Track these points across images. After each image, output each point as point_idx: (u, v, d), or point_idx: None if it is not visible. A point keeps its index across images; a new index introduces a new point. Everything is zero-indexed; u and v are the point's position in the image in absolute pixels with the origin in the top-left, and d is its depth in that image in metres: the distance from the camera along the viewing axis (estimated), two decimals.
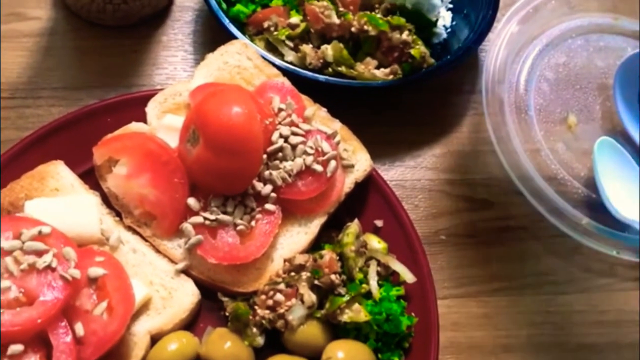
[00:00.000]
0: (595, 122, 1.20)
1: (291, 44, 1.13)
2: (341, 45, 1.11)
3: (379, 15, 1.15)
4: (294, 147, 0.96)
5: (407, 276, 0.93)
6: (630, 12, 1.28)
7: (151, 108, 1.01)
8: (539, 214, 1.08)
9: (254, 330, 0.90)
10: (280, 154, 0.95)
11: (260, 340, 0.90)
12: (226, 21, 1.10)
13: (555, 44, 1.25)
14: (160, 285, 0.92)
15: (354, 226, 0.95)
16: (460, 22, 1.25)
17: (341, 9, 1.16)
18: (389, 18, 1.15)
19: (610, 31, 1.27)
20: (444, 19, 1.25)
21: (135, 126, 0.99)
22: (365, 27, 1.13)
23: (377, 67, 1.14)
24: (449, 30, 1.24)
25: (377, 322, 0.90)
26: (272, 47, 1.14)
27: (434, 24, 1.22)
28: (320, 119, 1.02)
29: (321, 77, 1.08)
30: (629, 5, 1.28)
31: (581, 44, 1.26)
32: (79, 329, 0.81)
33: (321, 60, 1.11)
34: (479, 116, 1.16)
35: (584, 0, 1.27)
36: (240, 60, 1.05)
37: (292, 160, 0.95)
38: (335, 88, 1.08)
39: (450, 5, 1.26)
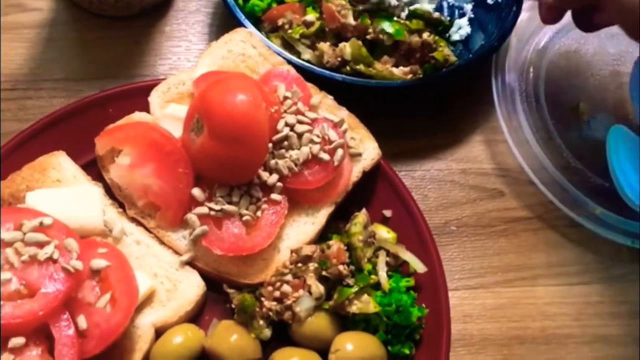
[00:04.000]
0: (608, 110, 1.18)
1: (307, 42, 1.11)
2: (360, 42, 1.08)
3: (395, 19, 1.12)
4: (300, 135, 0.94)
5: (418, 266, 0.91)
6: None
7: (154, 97, 0.99)
8: (552, 204, 1.07)
9: (261, 322, 0.88)
10: (286, 143, 0.93)
11: (267, 333, 0.88)
12: (242, 17, 1.07)
13: (566, 31, 1.23)
14: (164, 277, 0.90)
15: (361, 216, 0.93)
16: (485, 16, 1.20)
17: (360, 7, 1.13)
18: (407, 22, 1.13)
19: None
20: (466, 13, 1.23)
21: (138, 116, 0.97)
22: (380, 37, 1.10)
23: (396, 65, 1.12)
24: (472, 25, 1.20)
25: (387, 313, 0.87)
26: (288, 45, 1.11)
27: (449, 24, 1.19)
28: (327, 107, 1.00)
29: (338, 75, 1.05)
30: None
31: None
32: (82, 321, 0.79)
33: (339, 59, 1.08)
34: (490, 105, 1.14)
35: None
36: (245, 49, 1.03)
37: (299, 149, 0.93)
38: (353, 87, 1.06)
39: None
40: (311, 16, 1.12)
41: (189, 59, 1.16)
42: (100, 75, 1.11)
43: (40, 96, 1.08)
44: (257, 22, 1.13)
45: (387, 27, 1.10)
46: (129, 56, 1.14)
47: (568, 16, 1.24)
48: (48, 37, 1.14)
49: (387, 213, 0.98)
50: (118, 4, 1.13)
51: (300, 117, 0.95)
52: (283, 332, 0.89)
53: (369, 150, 0.99)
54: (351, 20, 1.10)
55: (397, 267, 0.93)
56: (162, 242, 0.93)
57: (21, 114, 1.06)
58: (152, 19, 1.18)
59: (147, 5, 1.16)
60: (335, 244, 0.90)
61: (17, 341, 0.76)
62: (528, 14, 1.19)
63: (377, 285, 0.90)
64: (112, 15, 1.15)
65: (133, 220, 0.94)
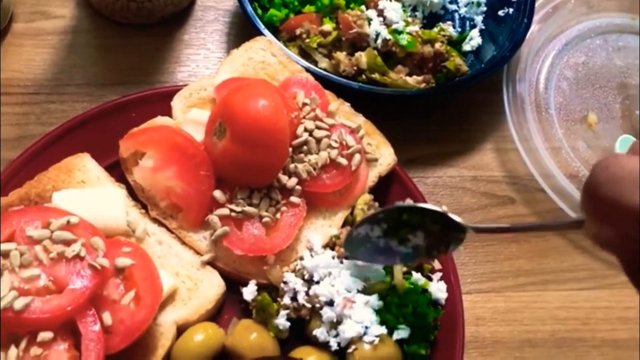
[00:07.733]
0: (615, 120, 1.21)
1: (324, 51, 1.14)
2: (375, 52, 1.11)
3: (408, 30, 1.15)
4: (318, 140, 0.96)
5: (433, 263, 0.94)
6: None
7: (177, 102, 1.02)
8: (562, 211, 1.08)
9: (279, 321, 0.89)
10: (305, 148, 0.96)
11: (285, 331, 0.89)
12: (261, 26, 1.10)
13: (575, 44, 1.26)
14: (186, 277, 0.92)
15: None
16: (495, 27, 1.23)
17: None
18: (420, 32, 1.15)
19: (628, 31, 1.29)
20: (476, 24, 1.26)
21: (161, 120, 1.00)
22: (393, 49, 1.13)
23: (410, 74, 1.14)
24: (482, 36, 1.23)
25: (404, 313, 0.89)
26: (305, 54, 1.14)
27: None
28: (344, 113, 1.03)
29: (354, 83, 1.08)
30: None
31: (600, 43, 1.28)
32: (107, 318, 0.81)
33: (355, 68, 1.11)
34: (501, 114, 1.16)
35: (602, 0, 1.29)
36: (265, 57, 1.06)
37: (317, 154, 0.95)
38: (369, 95, 1.08)
39: (484, 8, 1.26)
40: (328, 26, 1.14)
41: (207, 66, 1.18)
42: (122, 80, 1.14)
43: (63, 100, 1.11)
44: (275, 32, 1.15)
45: (401, 39, 1.13)
46: (150, 63, 1.17)
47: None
48: (71, 43, 1.16)
49: None
50: (140, 12, 1.16)
51: (318, 123, 0.97)
52: (300, 332, 0.91)
53: (385, 155, 1.02)
54: (367, 30, 1.13)
55: (414, 269, 0.95)
56: (183, 243, 0.95)
57: (44, 117, 1.09)
58: (172, 27, 1.21)
59: (167, 14, 1.19)
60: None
61: (45, 335, 0.78)
62: (538, 26, 1.22)
63: (393, 287, 0.92)
64: (134, 23, 1.18)
65: (155, 221, 0.96)
